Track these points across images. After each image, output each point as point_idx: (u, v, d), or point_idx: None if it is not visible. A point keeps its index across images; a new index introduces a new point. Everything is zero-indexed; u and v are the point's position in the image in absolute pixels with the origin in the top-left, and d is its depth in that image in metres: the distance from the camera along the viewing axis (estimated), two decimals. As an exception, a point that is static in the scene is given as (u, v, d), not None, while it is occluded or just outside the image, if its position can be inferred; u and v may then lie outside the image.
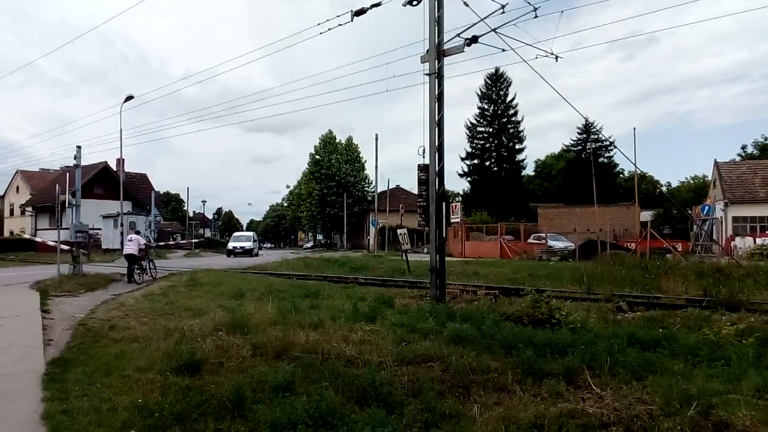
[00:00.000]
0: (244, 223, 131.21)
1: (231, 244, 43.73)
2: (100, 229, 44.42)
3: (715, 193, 41.95)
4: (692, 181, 67.92)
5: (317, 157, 66.29)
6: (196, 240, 54.27)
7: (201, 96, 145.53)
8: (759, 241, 30.80)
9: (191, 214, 74.80)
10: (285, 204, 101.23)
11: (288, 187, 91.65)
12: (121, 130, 45.13)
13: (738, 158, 57.10)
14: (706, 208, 35.22)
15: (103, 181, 53.40)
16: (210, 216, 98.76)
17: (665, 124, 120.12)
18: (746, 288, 11.87)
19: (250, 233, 52.88)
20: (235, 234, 51.68)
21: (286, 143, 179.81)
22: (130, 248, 17.59)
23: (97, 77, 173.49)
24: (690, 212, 40.33)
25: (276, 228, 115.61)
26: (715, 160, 43.00)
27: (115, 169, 52.53)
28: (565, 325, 7.87)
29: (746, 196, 37.93)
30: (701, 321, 8.67)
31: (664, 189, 65.79)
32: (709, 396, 4.55)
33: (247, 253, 41.17)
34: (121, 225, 40.24)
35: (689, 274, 14.25)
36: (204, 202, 79.67)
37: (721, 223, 38.18)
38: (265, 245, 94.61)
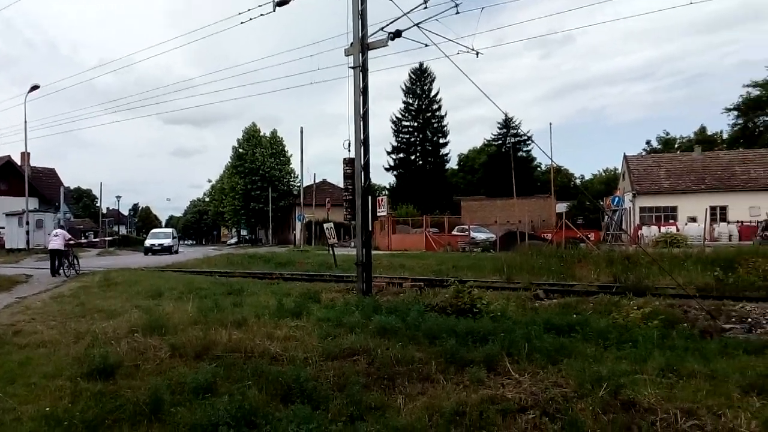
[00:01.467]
0: (163, 219, 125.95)
1: (149, 242, 41.84)
2: (2, 227, 41.26)
3: (624, 185, 44.67)
4: (604, 174, 71.76)
5: (240, 150, 64.66)
6: (110, 238, 51.29)
7: (117, 85, 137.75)
8: (663, 229, 33.14)
9: (105, 211, 71.04)
10: (207, 199, 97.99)
11: (210, 181, 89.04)
12: (25, 121, 42.02)
13: (644, 152, 61.11)
14: (616, 199, 37.36)
15: (6, 176, 49.41)
16: (126, 212, 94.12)
17: (580, 119, 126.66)
18: (652, 274, 12.76)
19: (170, 230, 50.86)
20: (153, 231, 49.53)
21: (209, 136, 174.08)
22: (56, 243, 18.12)
23: (0, 65, 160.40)
24: (602, 203, 42.72)
25: (197, 224, 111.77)
26: (624, 153, 45.85)
27: (19, 163, 48.83)
28: (486, 313, 8.12)
29: (652, 187, 40.68)
30: (611, 306, 9.21)
31: (578, 181, 69.32)
32: (618, 377, 4.82)
33: (166, 250, 39.57)
34: (27, 223, 37.48)
35: (601, 262, 15.12)
36: (119, 197, 75.55)
37: (630, 213, 40.72)
38: (185, 242, 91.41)
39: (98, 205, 66.92)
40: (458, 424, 4.08)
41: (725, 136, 62.04)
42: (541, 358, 5.63)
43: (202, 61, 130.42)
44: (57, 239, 18.25)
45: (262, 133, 65.85)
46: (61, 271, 17.91)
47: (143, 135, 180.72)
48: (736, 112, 58.95)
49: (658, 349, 5.95)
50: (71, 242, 19.10)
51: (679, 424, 3.96)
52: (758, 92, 56.22)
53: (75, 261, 19.02)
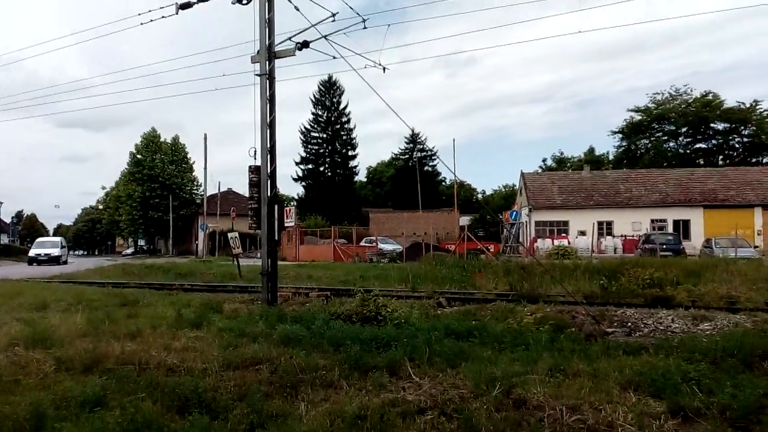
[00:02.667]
0: (51, 228, 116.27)
1: (34, 251, 38.66)
2: None
3: (521, 200, 47.16)
4: (504, 189, 75.40)
5: (139, 156, 61.36)
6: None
7: (3, 82, 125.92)
8: (556, 242, 35.23)
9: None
10: (101, 207, 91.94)
11: (104, 188, 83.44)
12: None
13: (540, 170, 64.98)
14: (514, 213, 39.47)
15: None
16: (8, 220, 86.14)
17: (482, 137, 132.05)
18: (545, 283, 13.56)
19: (58, 239, 47.25)
20: (39, 239, 45.78)
21: (104, 141, 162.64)
22: None
23: None
24: (501, 217, 44.87)
25: (90, 233, 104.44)
26: (521, 171, 48.43)
27: None
28: (390, 321, 8.28)
29: (546, 202, 43.23)
30: (507, 312, 9.69)
31: (480, 196, 72.47)
32: (510, 377, 5.08)
33: (53, 260, 36.72)
34: None
35: (499, 272, 15.87)
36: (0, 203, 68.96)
37: (526, 226, 43.02)
38: (76, 252, 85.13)
39: (-27, 211, 60.74)
40: (359, 428, 4.13)
41: (611, 156, 67.50)
42: (441, 362, 5.82)
43: (97, 61, 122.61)
44: None
45: (162, 139, 62.98)
46: None
47: (29, 138, 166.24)
48: (620, 135, 64.32)
49: (547, 351, 6.32)
50: None
51: (565, 420, 4.24)
52: (640, 117, 61.76)
53: None
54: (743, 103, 56.61)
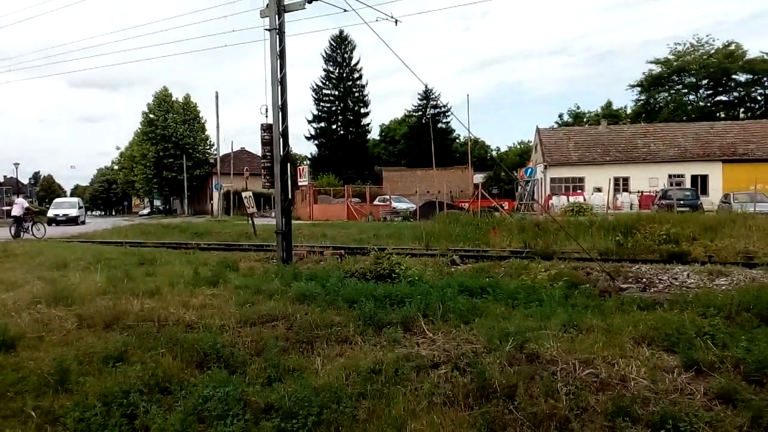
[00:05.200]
0: (68, 188, 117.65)
1: (52, 212, 39.13)
2: None
3: (536, 157, 46.63)
4: (519, 146, 74.56)
5: (151, 116, 61.21)
6: (8, 208, 47.51)
7: (13, 42, 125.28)
8: (572, 199, 34.98)
9: (1, 180, 65.50)
10: (116, 167, 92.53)
11: (118, 148, 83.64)
12: None
13: (556, 125, 63.93)
14: (529, 170, 39.00)
15: None
16: (26, 181, 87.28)
17: (498, 92, 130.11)
18: (559, 240, 13.48)
19: (75, 199, 47.75)
20: (57, 200, 46.28)
21: (118, 100, 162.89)
22: (15, 211, 22.16)
23: None
24: (515, 174, 44.46)
25: (106, 194, 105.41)
26: (537, 126, 47.73)
27: None
28: (404, 278, 8.32)
29: (562, 159, 42.71)
30: (521, 269, 9.68)
31: (494, 153, 71.63)
32: (524, 333, 5.11)
33: (72, 221, 37.21)
34: None
35: (513, 230, 15.79)
36: (17, 165, 69.65)
37: (542, 183, 42.67)
38: (93, 213, 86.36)
39: (-8, 172, 61.59)
40: (374, 382, 4.20)
41: (629, 111, 66.11)
42: (455, 318, 5.87)
43: (110, 18, 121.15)
44: (17, 207, 22.18)
45: (174, 98, 62.70)
46: (21, 233, 21.32)
47: (44, 98, 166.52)
48: (639, 89, 62.80)
49: (561, 307, 6.33)
50: (27, 210, 22.62)
51: (577, 373, 4.28)
52: (659, 70, 60.08)
53: (35, 227, 22.27)
54: (767, 54, 54.77)
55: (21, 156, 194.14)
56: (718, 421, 3.52)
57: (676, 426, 3.43)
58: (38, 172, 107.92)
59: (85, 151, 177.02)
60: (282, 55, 11.03)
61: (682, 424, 3.44)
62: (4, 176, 71.59)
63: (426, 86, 61.84)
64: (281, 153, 11.28)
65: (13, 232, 21.31)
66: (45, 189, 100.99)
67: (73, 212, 38.94)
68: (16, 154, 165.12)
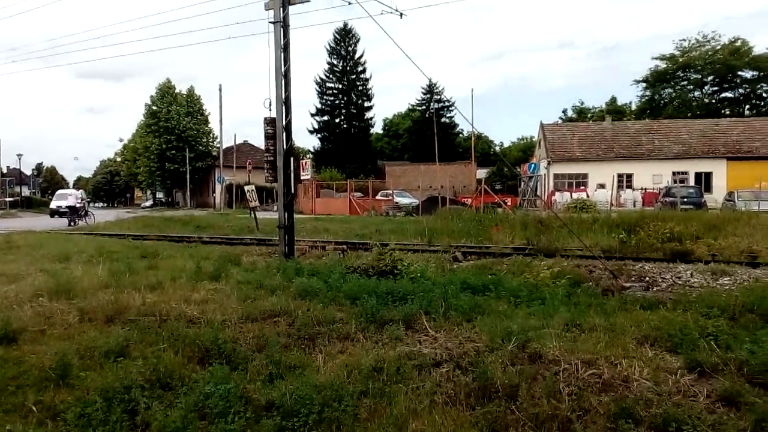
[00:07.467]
0: (71, 180, 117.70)
1: (55, 203, 39.18)
2: None
3: (540, 153, 46.48)
4: (522, 142, 74.24)
5: (154, 108, 61.21)
6: (11, 199, 47.61)
7: (18, 32, 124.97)
8: (575, 195, 34.87)
9: (4, 170, 65.53)
10: (119, 159, 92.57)
11: (122, 140, 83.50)
12: None
13: (560, 121, 63.71)
14: (533, 166, 38.87)
15: None
16: (28, 172, 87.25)
17: (502, 87, 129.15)
18: (562, 237, 13.42)
19: (78, 191, 47.90)
20: (60, 191, 46.32)
21: (122, 92, 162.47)
22: (70, 201, 26.44)
23: None
24: (519, 170, 44.34)
25: (109, 185, 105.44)
26: (540, 122, 47.55)
27: None
28: (406, 275, 8.29)
29: (565, 155, 42.56)
30: (524, 267, 9.65)
31: (497, 149, 71.32)
32: (526, 331, 5.08)
33: (74, 213, 37.30)
34: None
35: (516, 226, 15.76)
36: (20, 155, 69.62)
37: (545, 179, 42.54)
38: (95, 204, 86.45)
39: (-5, 163, 61.47)
40: (376, 380, 4.19)
41: (633, 107, 65.83)
42: (457, 315, 5.85)
43: (115, 7, 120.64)
44: (71, 198, 26.47)
45: (177, 90, 62.66)
46: (74, 221, 24.70)
47: (49, 89, 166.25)
48: (644, 84, 62.50)
49: (564, 305, 6.30)
50: (80, 201, 27.06)
51: (580, 374, 4.26)
52: (664, 65, 59.76)
53: (87, 217, 26.15)
54: (773, 50, 54.37)
55: (24, 147, 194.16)
56: (721, 424, 3.51)
57: (679, 428, 3.42)
58: (41, 163, 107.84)
59: (89, 143, 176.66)
60: (286, 48, 10.99)
61: (685, 426, 3.42)
62: (7, 167, 71.55)
63: (430, 80, 61.62)
64: (284, 147, 11.26)
65: (68, 220, 24.82)
66: (48, 180, 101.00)
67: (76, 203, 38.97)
68: (19, 144, 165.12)
